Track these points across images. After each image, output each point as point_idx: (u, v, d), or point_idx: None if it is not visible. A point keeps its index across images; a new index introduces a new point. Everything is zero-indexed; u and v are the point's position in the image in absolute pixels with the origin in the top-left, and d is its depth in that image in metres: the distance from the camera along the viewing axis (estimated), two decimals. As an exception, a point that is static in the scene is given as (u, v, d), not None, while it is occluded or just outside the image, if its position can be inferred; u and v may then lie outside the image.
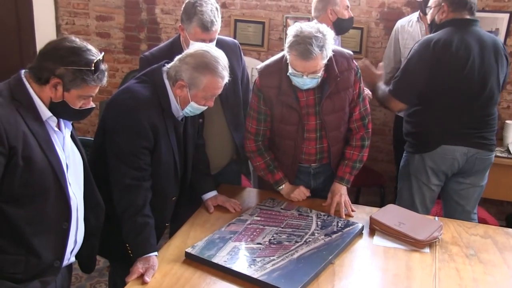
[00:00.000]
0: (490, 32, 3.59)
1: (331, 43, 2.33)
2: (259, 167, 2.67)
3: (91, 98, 1.88)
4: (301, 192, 2.65)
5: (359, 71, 2.56)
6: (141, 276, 1.99)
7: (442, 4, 2.88)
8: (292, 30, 2.32)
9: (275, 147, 2.66)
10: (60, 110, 1.82)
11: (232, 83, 2.70)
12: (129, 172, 2.15)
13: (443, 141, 2.86)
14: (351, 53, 2.58)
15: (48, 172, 1.78)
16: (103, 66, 1.82)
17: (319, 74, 2.36)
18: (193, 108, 2.25)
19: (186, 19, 2.55)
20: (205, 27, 2.51)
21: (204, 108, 2.29)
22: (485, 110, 2.86)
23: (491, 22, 3.83)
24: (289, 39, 2.31)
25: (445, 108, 2.83)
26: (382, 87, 3.06)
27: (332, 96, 2.48)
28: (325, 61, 2.33)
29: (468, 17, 2.84)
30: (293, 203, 2.61)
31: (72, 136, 1.96)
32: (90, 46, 1.82)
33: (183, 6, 2.59)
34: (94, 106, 1.91)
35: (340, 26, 3.32)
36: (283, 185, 2.66)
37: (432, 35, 2.87)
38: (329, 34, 2.31)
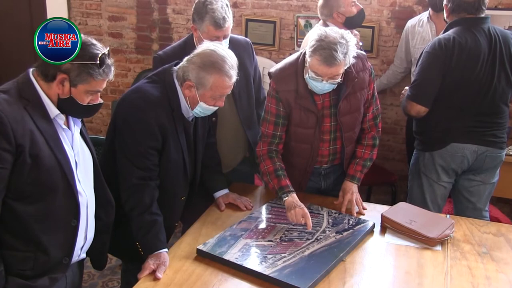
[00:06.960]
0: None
1: (353, 51, 2.32)
2: (267, 171, 2.51)
3: (99, 94, 1.88)
4: (299, 215, 2.35)
5: (373, 71, 2.57)
6: (153, 272, 2.01)
7: (444, 4, 2.90)
8: (316, 34, 2.30)
9: (290, 151, 2.61)
10: (68, 106, 1.83)
11: (244, 81, 2.72)
12: (136, 172, 2.17)
13: (453, 139, 2.84)
14: (364, 53, 2.59)
15: (56, 170, 1.80)
16: (109, 60, 1.82)
17: (338, 80, 2.35)
18: (203, 108, 2.24)
19: (198, 19, 2.57)
20: (218, 24, 2.53)
21: (215, 108, 2.28)
22: (496, 108, 2.84)
23: (505, 20, 3.79)
24: (312, 43, 2.28)
25: (455, 106, 2.82)
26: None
27: (348, 97, 2.48)
28: (345, 67, 2.34)
29: (474, 15, 2.81)
30: (304, 200, 2.60)
31: (82, 134, 1.98)
32: (94, 41, 1.83)
33: (193, 6, 2.61)
34: (102, 102, 1.92)
35: (351, 23, 3.22)
36: (289, 195, 2.43)
37: (441, 35, 2.86)
38: (352, 41, 2.30)
